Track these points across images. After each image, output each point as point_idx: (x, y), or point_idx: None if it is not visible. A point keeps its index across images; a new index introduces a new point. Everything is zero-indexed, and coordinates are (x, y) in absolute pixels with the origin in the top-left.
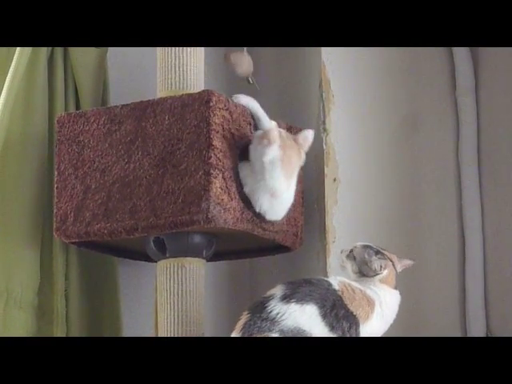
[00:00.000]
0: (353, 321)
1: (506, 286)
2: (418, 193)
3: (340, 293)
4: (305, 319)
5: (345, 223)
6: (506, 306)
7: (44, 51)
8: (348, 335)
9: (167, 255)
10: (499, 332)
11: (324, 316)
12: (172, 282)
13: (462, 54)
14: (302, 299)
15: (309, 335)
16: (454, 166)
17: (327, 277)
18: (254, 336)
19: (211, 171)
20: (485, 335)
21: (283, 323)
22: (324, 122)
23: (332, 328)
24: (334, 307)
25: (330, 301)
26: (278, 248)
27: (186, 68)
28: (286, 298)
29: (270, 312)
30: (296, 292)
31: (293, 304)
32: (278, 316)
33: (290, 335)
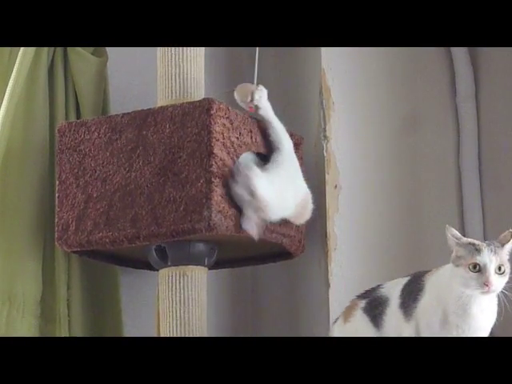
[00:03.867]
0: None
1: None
2: (419, 199)
3: None
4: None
5: (346, 230)
6: (507, 308)
7: (44, 61)
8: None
9: (169, 263)
10: (500, 334)
11: None
12: (174, 290)
13: (461, 59)
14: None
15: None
16: (454, 172)
17: (328, 284)
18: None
19: (212, 179)
20: None
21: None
22: (324, 129)
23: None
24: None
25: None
26: (279, 255)
27: (186, 76)
28: None
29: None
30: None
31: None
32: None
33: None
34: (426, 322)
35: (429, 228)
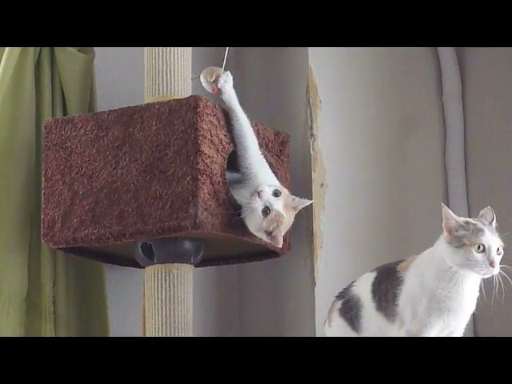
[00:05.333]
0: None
1: (492, 290)
2: (406, 198)
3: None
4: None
5: (332, 228)
6: (492, 309)
7: (31, 57)
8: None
9: (155, 261)
10: (485, 334)
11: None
12: (160, 287)
13: (448, 58)
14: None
15: None
16: (441, 171)
17: (314, 282)
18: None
19: (199, 177)
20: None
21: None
22: (311, 128)
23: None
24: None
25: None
26: (265, 253)
27: (173, 73)
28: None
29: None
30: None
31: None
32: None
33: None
34: (411, 313)
35: (415, 226)
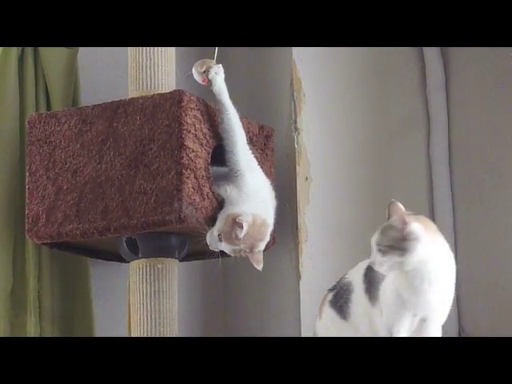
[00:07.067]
0: None
1: (477, 286)
2: (390, 191)
3: None
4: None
5: (317, 222)
6: (478, 306)
7: (14, 52)
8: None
9: (140, 255)
10: (471, 331)
11: None
12: (145, 282)
13: (432, 51)
14: None
15: None
16: (425, 165)
17: (299, 276)
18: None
19: (183, 171)
20: (458, 334)
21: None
22: (295, 121)
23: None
24: None
25: None
26: None
27: (157, 68)
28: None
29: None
30: None
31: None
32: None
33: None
34: (385, 304)
35: None
